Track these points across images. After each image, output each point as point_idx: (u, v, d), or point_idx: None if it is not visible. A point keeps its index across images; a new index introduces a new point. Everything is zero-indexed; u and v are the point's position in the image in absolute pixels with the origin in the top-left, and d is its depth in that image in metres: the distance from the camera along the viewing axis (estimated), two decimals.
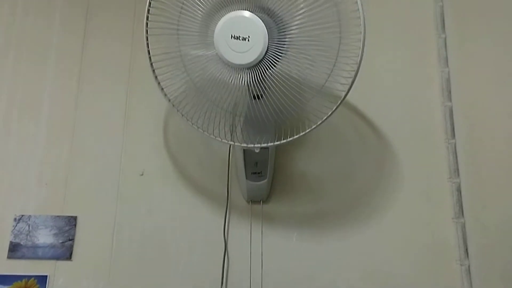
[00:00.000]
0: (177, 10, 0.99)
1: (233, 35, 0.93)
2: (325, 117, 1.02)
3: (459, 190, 1.24)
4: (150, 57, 1.00)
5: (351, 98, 1.16)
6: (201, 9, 0.97)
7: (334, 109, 1.02)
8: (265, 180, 1.20)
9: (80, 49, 1.33)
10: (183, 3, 0.97)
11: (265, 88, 1.00)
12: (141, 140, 1.27)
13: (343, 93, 1.01)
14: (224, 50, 0.94)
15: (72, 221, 1.18)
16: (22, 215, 1.18)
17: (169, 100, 1.03)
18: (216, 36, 0.94)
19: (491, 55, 1.35)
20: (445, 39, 1.35)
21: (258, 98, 1.03)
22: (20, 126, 1.27)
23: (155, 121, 1.28)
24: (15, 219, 1.18)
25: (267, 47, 0.94)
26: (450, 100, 1.31)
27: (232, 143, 1.05)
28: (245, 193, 1.22)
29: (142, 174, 1.24)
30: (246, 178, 1.19)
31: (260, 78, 0.98)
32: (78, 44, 1.34)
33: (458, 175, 1.25)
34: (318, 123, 1.02)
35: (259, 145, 1.05)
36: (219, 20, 0.95)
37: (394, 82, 1.33)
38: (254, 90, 1.01)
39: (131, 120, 1.29)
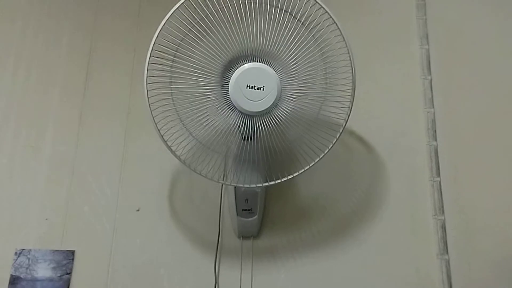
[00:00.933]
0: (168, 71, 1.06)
1: (248, 85, 1.01)
2: (311, 164, 1.12)
3: (443, 227, 1.28)
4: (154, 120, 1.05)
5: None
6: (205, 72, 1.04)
7: (322, 155, 1.12)
8: (255, 217, 1.25)
9: (82, 87, 1.40)
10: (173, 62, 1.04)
11: (255, 129, 1.07)
12: (137, 178, 1.33)
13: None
14: (240, 100, 1.01)
15: (70, 255, 1.23)
16: (23, 249, 1.23)
17: (177, 156, 1.09)
18: (232, 86, 1.01)
19: (475, 96, 1.40)
20: (431, 80, 1.41)
21: (250, 139, 1.10)
22: (23, 163, 1.32)
23: (151, 159, 1.34)
24: (16, 253, 1.23)
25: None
26: (436, 139, 1.36)
27: (235, 185, 1.14)
28: (236, 229, 1.27)
29: (138, 210, 1.29)
30: (237, 215, 1.24)
31: (251, 121, 1.05)
32: (81, 81, 1.41)
33: (443, 212, 1.30)
34: (305, 168, 1.12)
35: (260, 184, 1.13)
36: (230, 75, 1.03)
37: (381, 122, 1.38)
38: (245, 132, 1.08)
39: (128, 158, 1.34)
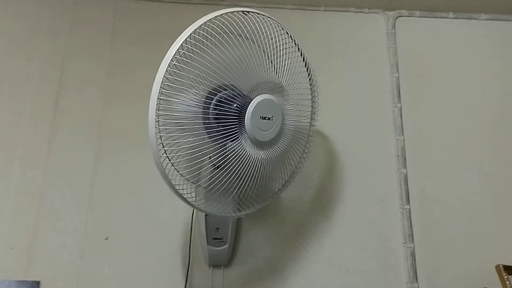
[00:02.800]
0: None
1: (261, 116, 1.05)
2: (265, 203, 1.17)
3: (413, 255, 1.29)
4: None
5: (307, 166, 1.23)
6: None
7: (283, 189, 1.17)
8: (226, 246, 1.24)
9: (52, 110, 1.37)
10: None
11: (225, 158, 1.07)
12: (107, 204, 1.30)
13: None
14: (255, 130, 1.05)
15: (35, 286, 1.20)
16: None
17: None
18: (249, 117, 1.04)
19: (444, 124, 1.43)
20: (401, 108, 1.43)
21: (219, 168, 1.09)
22: None
23: (122, 186, 1.32)
24: None
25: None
26: (405, 167, 1.38)
27: (223, 213, 1.14)
28: (207, 258, 1.25)
29: (106, 239, 1.27)
30: (207, 244, 1.23)
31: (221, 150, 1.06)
32: (51, 103, 1.38)
33: (413, 240, 1.31)
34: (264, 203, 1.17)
35: (247, 212, 1.15)
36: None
37: (352, 149, 1.40)
38: (215, 161, 1.08)
39: (97, 186, 1.32)
